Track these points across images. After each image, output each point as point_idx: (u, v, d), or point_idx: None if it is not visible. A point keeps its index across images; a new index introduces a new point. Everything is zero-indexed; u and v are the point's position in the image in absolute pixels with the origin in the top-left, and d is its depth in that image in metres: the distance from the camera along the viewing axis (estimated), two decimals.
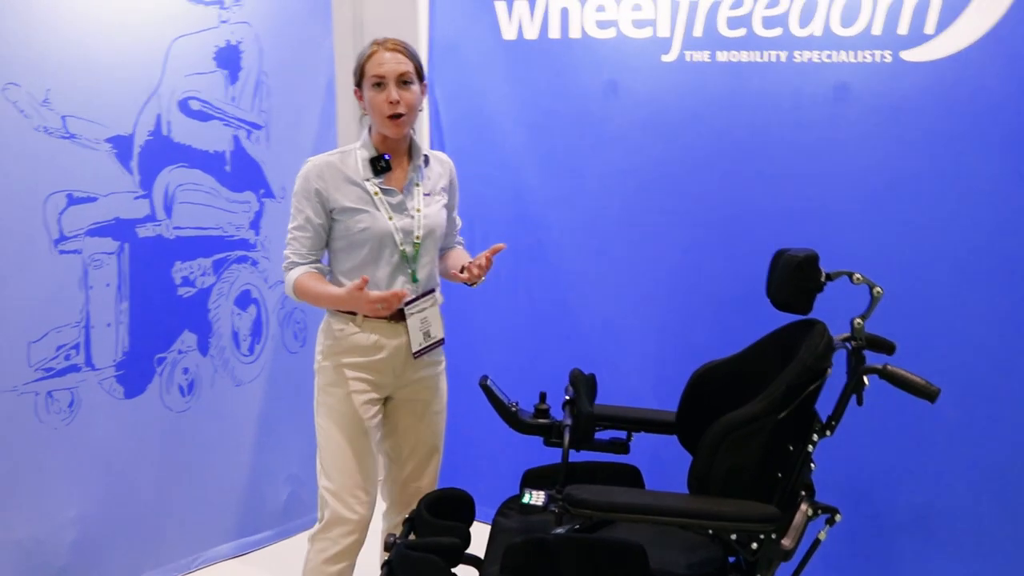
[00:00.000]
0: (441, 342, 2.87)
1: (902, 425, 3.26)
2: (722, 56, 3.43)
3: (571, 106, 3.78)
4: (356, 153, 2.77)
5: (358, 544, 2.82)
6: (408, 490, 3.00)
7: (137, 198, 3.41)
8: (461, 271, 2.75)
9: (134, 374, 3.48)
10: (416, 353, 2.80)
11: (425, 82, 2.80)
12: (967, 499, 3.24)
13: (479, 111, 4.00)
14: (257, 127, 3.77)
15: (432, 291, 2.84)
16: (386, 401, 2.92)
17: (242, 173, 3.73)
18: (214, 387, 3.73)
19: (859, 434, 3.29)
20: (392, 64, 2.68)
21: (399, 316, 2.75)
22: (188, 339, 3.64)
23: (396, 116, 2.68)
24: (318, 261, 2.80)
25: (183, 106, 3.52)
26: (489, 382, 2.73)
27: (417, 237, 2.76)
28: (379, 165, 2.74)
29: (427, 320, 2.81)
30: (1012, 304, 3.14)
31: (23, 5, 3.05)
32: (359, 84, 2.75)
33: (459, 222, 3.12)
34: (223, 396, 3.77)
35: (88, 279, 3.30)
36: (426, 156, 2.86)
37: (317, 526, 2.83)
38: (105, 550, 3.44)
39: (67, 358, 3.27)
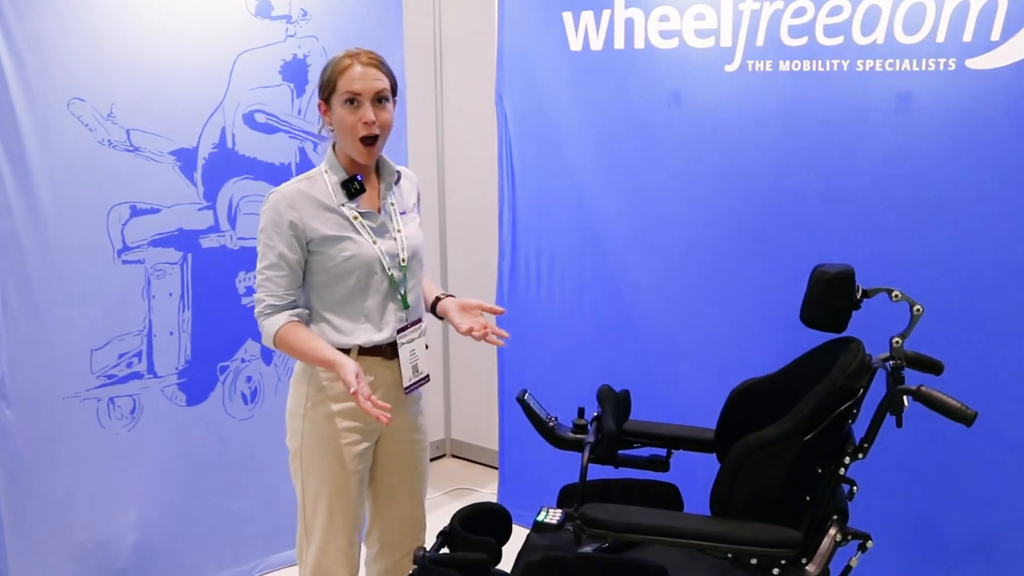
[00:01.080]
0: (427, 379, 2.71)
1: (964, 448, 3.12)
2: (784, 65, 3.34)
3: (635, 116, 3.74)
4: (324, 177, 2.56)
5: None
6: (400, 534, 2.84)
7: (201, 209, 3.48)
8: (430, 302, 2.76)
9: (197, 382, 3.55)
10: (407, 388, 2.64)
11: (396, 98, 2.59)
12: None
13: (546, 122, 3.99)
14: (323, 139, 3.78)
15: (420, 320, 2.67)
16: (376, 444, 2.74)
17: None
18: (277, 395, 3.77)
19: (919, 456, 3.18)
20: (369, 80, 2.47)
21: (393, 351, 2.60)
22: (251, 348, 3.70)
23: (370, 139, 2.49)
24: (296, 303, 2.55)
25: (248, 119, 3.58)
26: (527, 397, 2.70)
27: (403, 260, 2.59)
28: (352, 187, 2.53)
29: (415, 353, 2.64)
30: None
31: (88, 21, 3.14)
32: (327, 98, 2.53)
33: None
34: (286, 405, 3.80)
35: (151, 288, 3.37)
36: (398, 173, 2.69)
37: None
38: (165, 555, 3.52)
39: (129, 365, 3.35)
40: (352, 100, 2.47)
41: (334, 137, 2.60)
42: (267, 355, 3.74)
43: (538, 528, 2.23)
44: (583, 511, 2.19)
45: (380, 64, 2.52)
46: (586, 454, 2.38)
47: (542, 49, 3.96)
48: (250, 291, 3.63)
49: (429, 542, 2.65)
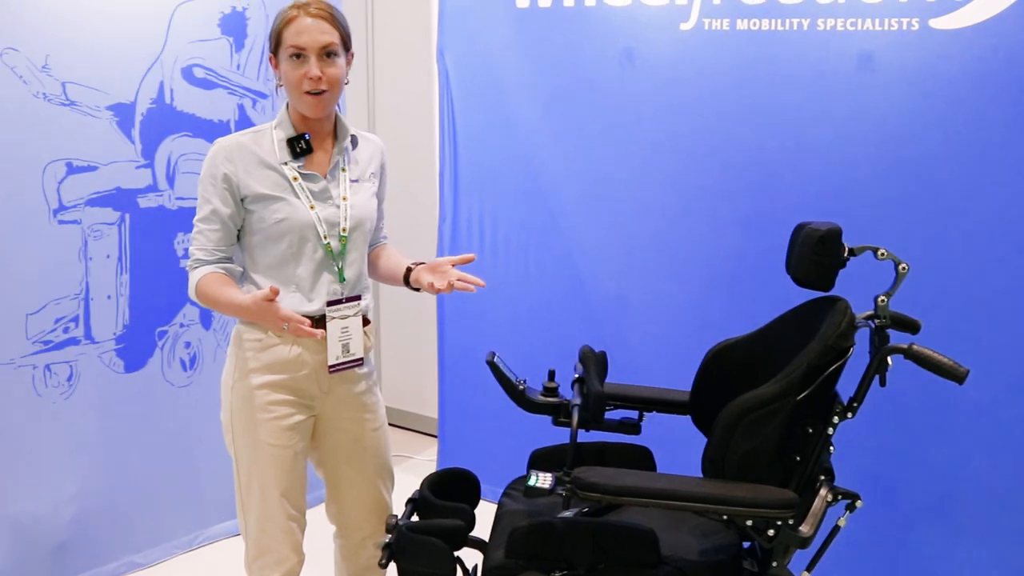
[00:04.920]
0: (360, 362, 2.54)
1: (922, 408, 3.15)
2: (742, 24, 3.31)
3: (585, 76, 3.67)
4: (271, 133, 2.42)
5: (300, 563, 2.57)
6: (354, 516, 2.70)
7: (139, 167, 3.33)
8: (401, 275, 2.57)
9: (135, 348, 3.41)
10: (332, 367, 2.47)
11: (352, 52, 2.46)
12: (990, 485, 3.13)
13: (490, 81, 3.90)
14: (262, 96, 3.68)
15: (358, 297, 2.52)
16: (316, 420, 2.60)
17: None
18: (216, 361, 3.65)
19: (875, 417, 3.19)
20: (314, 34, 2.31)
21: (321, 323, 2.43)
22: (191, 312, 3.56)
23: (316, 93, 2.34)
24: (228, 259, 2.42)
25: (187, 74, 3.44)
26: (496, 359, 2.62)
27: (344, 230, 2.44)
28: (298, 146, 2.39)
29: (348, 331, 2.48)
30: None
31: None
32: (275, 52, 2.38)
33: (383, 219, 2.75)
34: None
35: (88, 250, 3.22)
36: (354, 136, 2.53)
37: (248, 555, 2.56)
38: (104, 527, 3.39)
39: (66, 331, 3.21)
40: (297, 54, 2.32)
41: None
42: (206, 320, 3.61)
43: (529, 493, 2.17)
44: (576, 475, 2.13)
45: (330, 16, 2.36)
46: (575, 416, 2.32)
47: (486, 6, 3.86)
48: (189, 253, 3.49)
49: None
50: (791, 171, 3.30)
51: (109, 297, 3.30)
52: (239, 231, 2.43)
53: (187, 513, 3.66)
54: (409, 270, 2.56)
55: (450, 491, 2.59)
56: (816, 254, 2.25)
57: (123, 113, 3.26)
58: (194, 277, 2.38)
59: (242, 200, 2.38)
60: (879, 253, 2.31)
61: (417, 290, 2.55)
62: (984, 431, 3.12)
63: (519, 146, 3.86)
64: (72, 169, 3.14)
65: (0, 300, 3.04)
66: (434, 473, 2.66)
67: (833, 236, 2.25)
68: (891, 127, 3.12)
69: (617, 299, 3.73)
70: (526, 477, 2.25)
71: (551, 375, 2.66)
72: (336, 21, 2.38)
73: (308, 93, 2.34)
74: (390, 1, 4.81)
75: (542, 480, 2.18)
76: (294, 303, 2.41)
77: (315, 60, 2.32)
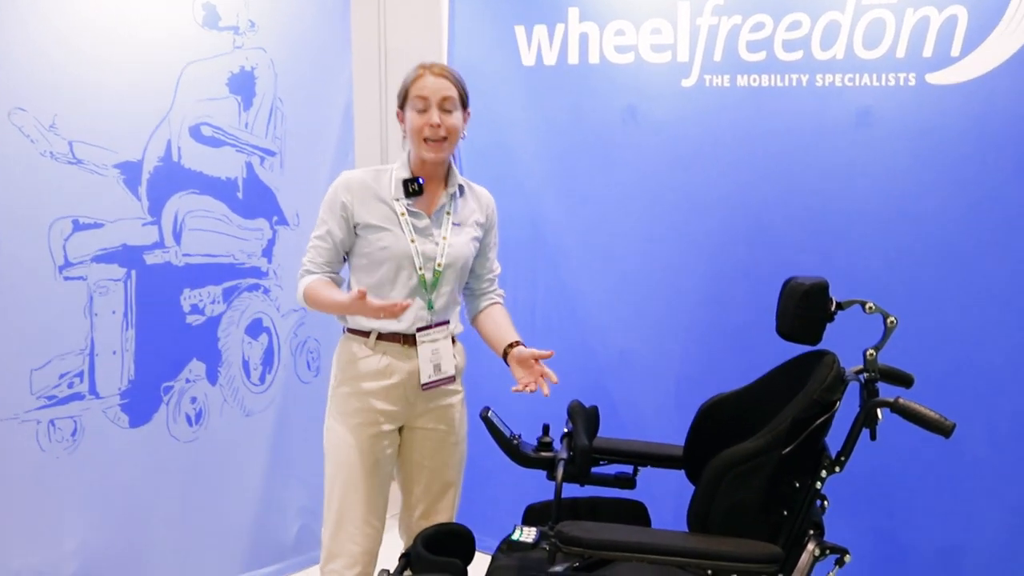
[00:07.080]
0: (452, 379, 2.80)
1: (926, 462, 3.13)
2: (742, 80, 3.34)
3: (589, 132, 3.71)
4: (392, 172, 2.75)
5: (369, 571, 2.75)
6: (423, 526, 2.85)
7: (145, 224, 3.36)
8: (502, 351, 2.81)
9: (140, 403, 3.41)
10: (424, 385, 2.74)
11: (469, 110, 2.78)
12: (997, 540, 3.09)
13: (497, 137, 3.94)
14: (271, 153, 3.72)
15: (446, 322, 2.77)
16: (400, 431, 2.84)
17: (255, 200, 3.67)
18: (223, 417, 3.66)
19: (880, 471, 3.17)
20: (436, 87, 2.66)
21: (411, 340, 2.72)
22: (196, 368, 3.57)
23: (435, 140, 2.66)
24: (334, 274, 2.77)
25: (195, 132, 3.48)
26: (490, 414, 2.66)
27: (439, 264, 2.71)
28: (412, 187, 2.70)
29: (438, 352, 2.75)
30: None
31: (31, 29, 3.02)
32: (402, 106, 2.74)
33: (497, 268, 3.02)
34: (232, 426, 3.70)
35: (93, 306, 3.24)
36: (461, 186, 2.81)
37: (322, 557, 2.77)
38: None
39: (70, 386, 3.22)
40: (422, 107, 2.66)
41: (408, 144, 2.78)
42: (212, 375, 3.62)
43: (512, 547, 2.17)
44: (559, 529, 2.13)
45: (450, 75, 2.71)
46: (560, 471, 2.32)
47: (494, 63, 3.92)
48: (195, 309, 3.52)
49: None
50: (792, 225, 3.32)
51: (114, 352, 3.33)
52: (347, 253, 2.78)
53: (192, 569, 3.64)
54: (507, 350, 2.82)
55: (446, 546, 2.59)
56: (800, 307, 2.25)
57: (130, 171, 3.30)
58: (302, 283, 2.73)
59: (354, 227, 2.71)
60: (867, 307, 2.30)
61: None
62: (987, 485, 3.10)
63: (525, 202, 3.89)
64: (78, 226, 3.18)
65: (5, 355, 3.06)
66: (428, 528, 2.67)
67: (818, 290, 2.25)
68: (890, 181, 3.14)
69: (622, 354, 3.73)
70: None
71: (545, 430, 2.68)
72: (455, 79, 2.73)
73: (427, 140, 2.67)
74: (402, 57, 4.85)
75: (526, 534, 2.18)
76: (385, 322, 2.69)
77: (436, 110, 2.66)
